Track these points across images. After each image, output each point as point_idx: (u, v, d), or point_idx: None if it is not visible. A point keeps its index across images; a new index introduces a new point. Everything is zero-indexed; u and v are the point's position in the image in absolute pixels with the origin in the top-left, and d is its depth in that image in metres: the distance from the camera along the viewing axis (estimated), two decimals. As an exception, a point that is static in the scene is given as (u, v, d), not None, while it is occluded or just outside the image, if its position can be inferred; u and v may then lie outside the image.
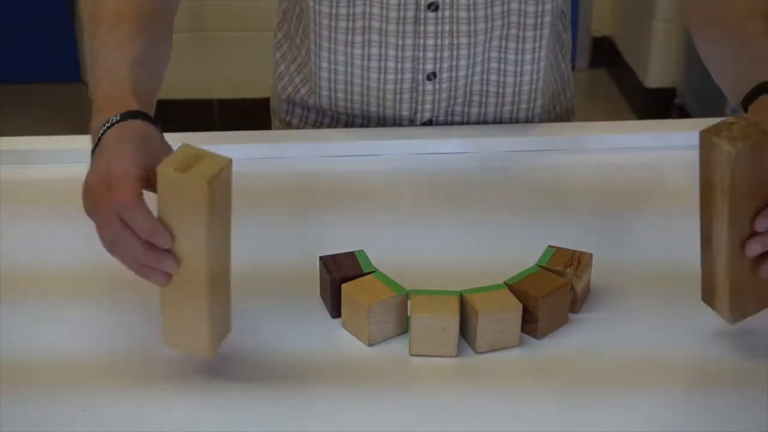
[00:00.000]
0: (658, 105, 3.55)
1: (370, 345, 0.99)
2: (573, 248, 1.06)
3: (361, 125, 1.38)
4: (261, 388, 0.94)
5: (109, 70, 1.05)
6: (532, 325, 1.00)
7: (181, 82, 3.37)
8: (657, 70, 3.55)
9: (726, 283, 0.95)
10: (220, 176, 0.87)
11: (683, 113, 3.44)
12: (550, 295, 0.99)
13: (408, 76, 1.31)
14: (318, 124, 1.41)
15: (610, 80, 3.96)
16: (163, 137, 0.99)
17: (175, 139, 1.33)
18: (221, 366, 0.97)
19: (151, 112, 1.02)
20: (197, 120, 3.30)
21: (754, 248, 0.94)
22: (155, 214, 0.89)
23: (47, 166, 1.31)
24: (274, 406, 0.92)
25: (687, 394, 0.94)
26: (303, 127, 1.42)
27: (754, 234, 0.94)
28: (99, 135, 0.97)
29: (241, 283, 1.01)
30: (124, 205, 0.89)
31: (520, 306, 0.98)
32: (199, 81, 3.51)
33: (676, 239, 1.14)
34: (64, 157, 1.32)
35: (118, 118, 0.97)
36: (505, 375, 0.96)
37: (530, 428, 0.91)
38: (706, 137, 0.91)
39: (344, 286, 1.01)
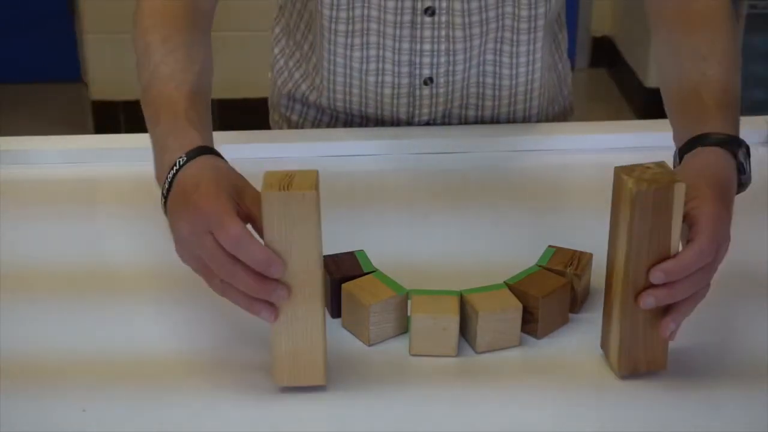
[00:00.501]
0: (658, 105, 3.53)
1: (370, 345, 0.99)
2: (573, 248, 1.06)
3: (360, 125, 1.38)
4: (260, 388, 0.94)
5: (166, 103, 1.04)
6: (532, 325, 1.00)
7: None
8: (657, 70, 3.55)
9: (617, 333, 0.94)
10: (318, 186, 0.88)
11: (683, 113, 3.44)
12: (550, 295, 0.99)
13: (405, 80, 1.31)
14: (317, 122, 1.41)
15: (610, 80, 3.96)
16: (232, 167, 0.98)
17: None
18: (220, 366, 0.97)
19: (211, 142, 1.01)
20: (197, 120, 3.31)
21: (648, 302, 0.91)
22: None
23: (47, 166, 1.31)
24: (274, 407, 0.92)
25: (687, 392, 0.94)
26: (302, 123, 1.42)
27: (649, 286, 0.91)
28: (169, 180, 0.96)
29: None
30: (235, 241, 0.88)
31: (520, 306, 0.98)
32: (199, 81, 3.51)
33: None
34: (64, 157, 1.32)
35: (185, 158, 0.96)
36: (505, 375, 0.96)
37: (530, 428, 0.91)
38: (617, 173, 0.91)
39: (344, 286, 1.01)
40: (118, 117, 3.50)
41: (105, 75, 3.48)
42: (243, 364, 0.97)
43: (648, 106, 3.59)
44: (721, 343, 1.01)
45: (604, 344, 0.97)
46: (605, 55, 4.00)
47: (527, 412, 0.92)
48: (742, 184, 1.05)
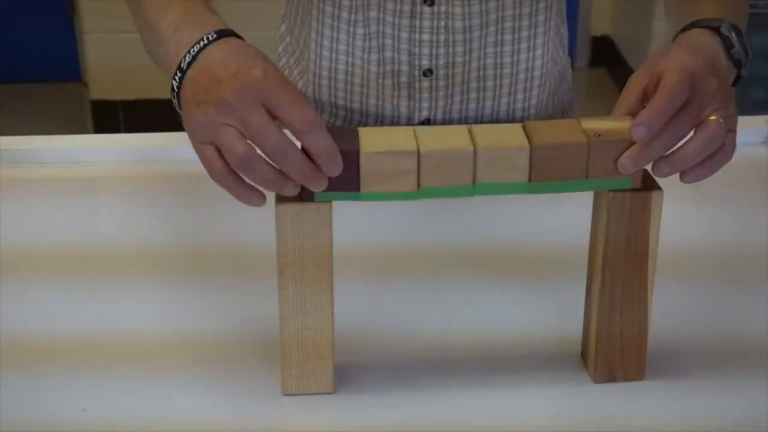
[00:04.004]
0: (658, 105, 3.55)
1: (419, 191, 0.87)
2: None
3: (359, 123, 1.38)
4: (264, 389, 0.94)
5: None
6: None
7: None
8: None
9: (594, 341, 0.94)
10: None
11: (683, 113, 3.44)
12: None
13: (405, 68, 1.31)
14: None
15: (610, 80, 3.96)
16: (264, 54, 0.90)
17: (175, 140, 1.34)
18: (222, 363, 0.97)
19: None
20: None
21: (625, 164, 0.86)
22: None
23: (47, 166, 1.31)
24: (275, 404, 0.92)
25: (689, 384, 0.94)
26: None
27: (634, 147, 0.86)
28: (194, 52, 0.89)
29: (245, 278, 1.01)
30: (269, 83, 0.83)
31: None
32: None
33: (675, 236, 1.14)
34: (64, 157, 1.32)
35: (215, 36, 0.90)
36: (504, 372, 0.97)
37: (532, 428, 0.91)
38: None
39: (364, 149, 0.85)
40: (118, 117, 3.50)
41: (105, 75, 3.48)
42: (245, 360, 0.97)
43: (648, 105, 3.59)
44: (732, 325, 1.02)
45: (583, 352, 0.97)
46: (605, 54, 4.00)
47: (528, 411, 0.92)
48: (738, 61, 0.99)
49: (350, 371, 0.96)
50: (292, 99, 0.84)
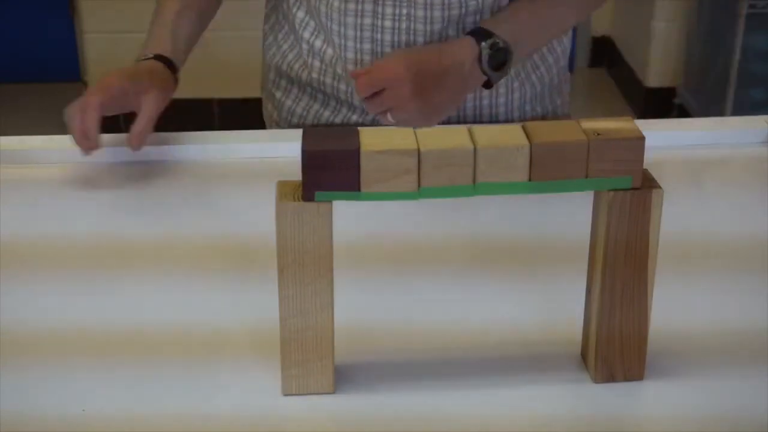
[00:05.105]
0: (658, 105, 3.55)
1: (419, 191, 0.87)
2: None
3: (348, 109, 1.37)
4: (262, 389, 0.94)
5: (155, 29, 1.38)
6: None
7: (180, 82, 3.37)
8: (657, 70, 3.55)
9: (594, 341, 0.94)
10: None
11: (683, 113, 3.44)
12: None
13: (367, 58, 1.31)
14: (308, 108, 1.40)
15: (610, 80, 3.96)
16: (166, 76, 1.34)
17: (175, 139, 1.34)
18: (222, 363, 0.97)
19: (177, 58, 1.36)
20: (197, 120, 3.30)
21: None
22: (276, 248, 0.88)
23: (47, 166, 1.31)
24: (275, 404, 0.92)
25: (689, 384, 0.95)
26: (294, 109, 1.42)
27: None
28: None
29: (245, 277, 1.01)
30: (86, 104, 1.25)
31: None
32: (198, 81, 3.51)
33: (675, 236, 1.14)
34: (63, 157, 1.32)
35: (151, 56, 1.34)
36: (504, 369, 0.97)
37: (536, 428, 0.91)
38: None
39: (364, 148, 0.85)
40: (118, 116, 3.50)
41: (104, 75, 3.47)
42: (246, 364, 0.97)
43: (648, 105, 3.59)
44: (736, 313, 1.02)
45: (583, 352, 0.97)
46: (605, 54, 4.00)
47: (528, 412, 0.92)
48: (485, 72, 1.25)
49: (350, 371, 0.96)
50: (90, 90, 1.28)
